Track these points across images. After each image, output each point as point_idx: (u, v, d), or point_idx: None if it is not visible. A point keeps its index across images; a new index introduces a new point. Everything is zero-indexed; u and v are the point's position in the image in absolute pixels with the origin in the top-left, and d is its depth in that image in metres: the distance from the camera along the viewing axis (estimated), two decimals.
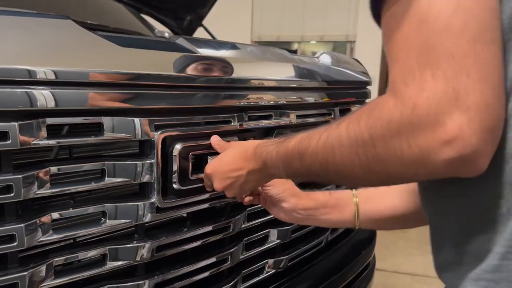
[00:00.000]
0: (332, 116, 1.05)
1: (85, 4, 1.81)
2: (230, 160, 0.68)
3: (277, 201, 0.78)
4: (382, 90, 5.55)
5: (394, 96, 0.41)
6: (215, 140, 0.73)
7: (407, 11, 0.41)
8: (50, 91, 0.53)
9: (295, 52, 5.91)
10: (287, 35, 5.83)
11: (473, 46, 0.38)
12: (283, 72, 0.92)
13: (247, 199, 0.78)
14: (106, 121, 0.59)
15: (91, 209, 0.61)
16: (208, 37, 2.01)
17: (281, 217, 0.80)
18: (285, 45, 6.08)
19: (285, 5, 5.72)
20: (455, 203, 0.49)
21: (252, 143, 0.67)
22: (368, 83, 1.24)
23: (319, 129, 0.52)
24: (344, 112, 1.11)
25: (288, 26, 5.77)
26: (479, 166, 0.39)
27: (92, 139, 0.59)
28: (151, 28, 1.99)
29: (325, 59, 1.11)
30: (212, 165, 0.70)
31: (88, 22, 1.48)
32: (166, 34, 2.02)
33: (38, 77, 0.51)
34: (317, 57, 1.12)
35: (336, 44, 5.97)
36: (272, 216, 0.90)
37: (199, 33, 2.15)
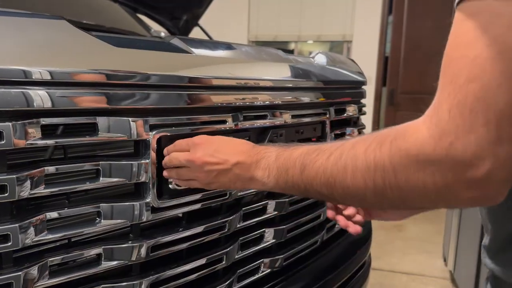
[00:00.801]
0: (327, 115, 1.05)
1: (81, 4, 1.81)
2: (225, 141, 0.64)
3: None
4: (378, 91, 5.57)
5: (432, 124, 0.38)
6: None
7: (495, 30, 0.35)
8: (44, 92, 0.53)
9: (292, 52, 5.92)
10: (284, 35, 5.84)
11: None
12: (278, 72, 0.92)
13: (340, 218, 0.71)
14: (101, 121, 0.59)
15: (86, 209, 0.61)
16: (205, 37, 2.01)
17: (395, 218, 0.73)
18: (282, 45, 6.08)
19: (281, 5, 5.73)
20: None
21: (251, 143, 0.65)
22: (363, 83, 1.24)
23: (330, 145, 0.50)
24: (339, 112, 1.11)
25: (285, 26, 5.78)
26: (498, 201, 0.40)
27: (86, 139, 0.59)
28: (147, 28, 1.99)
29: (321, 59, 1.12)
30: (202, 137, 0.65)
31: (84, 22, 1.48)
32: (162, 34, 2.02)
33: (32, 77, 0.51)
34: (313, 57, 1.12)
35: (333, 44, 5.98)
36: (268, 215, 0.91)
37: (196, 33, 2.15)
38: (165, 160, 0.66)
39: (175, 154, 0.65)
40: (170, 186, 0.69)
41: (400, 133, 0.42)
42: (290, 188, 0.56)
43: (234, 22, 5.80)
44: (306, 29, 5.71)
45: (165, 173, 0.66)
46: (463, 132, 0.36)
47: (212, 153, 0.62)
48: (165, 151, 0.66)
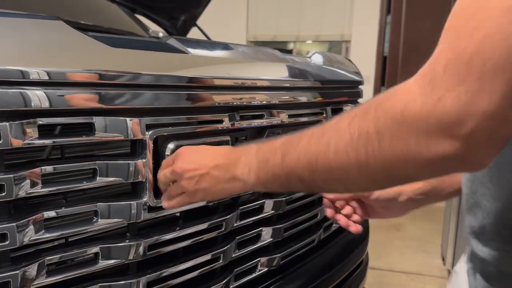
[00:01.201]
0: (324, 115, 1.06)
1: (80, 5, 1.81)
2: (208, 148, 0.64)
3: (387, 200, 0.75)
4: (377, 90, 5.58)
5: (425, 82, 0.36)
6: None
7: None
8: (42, 92, 0.54)
9: (290, 52, 5.92)
10: (282, 35, 5.84)
11: None
12: (274, 72, 0.93)
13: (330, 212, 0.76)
14: (97, 121, 0.60)
15: (83, 208, 0.61)
16: (203, 37, 2.02)
17: (394, 214, 0.76)
18: (281, 45, 6.09)
19: (280, 5, 5.73)
20: None
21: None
22: (360, 82, 1.25)
23: (315, 127, 0.48)
24: (336, 111, 1.12)
25: (284, 26, 5.78)
26: (485, 165, 0.38)
27: (83, 139, 0.59)
28: (145, 28, 2.00)
29: (317, 59, 1.12)
30: (188, 147, 0.65)
31: (82, 22, 1.48)
32: (161, 34, 2.02)
33: (29, 77, 0.52)
34: (309, 57, 1.13)
35: (332, 44, 5.99)
36: (265, 214, 0.91)
37: (194, 33, 2.15)
38: (159, 183, 0.66)
39: (162, 172, 0.65)
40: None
41: (386, 96, 0.40)
42: (271, 181, 0.53)
43: (233, 23, 5.81)
44: (305, 29, 5.72)
45: (164, 204, 0.67)
46: (454, 86, 0.34)
47: (191, 160, 0.61)
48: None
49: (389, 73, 5.30)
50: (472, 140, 0.35)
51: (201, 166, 0.60)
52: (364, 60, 5.48)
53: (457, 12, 0.37)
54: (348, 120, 0.43)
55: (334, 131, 0.44)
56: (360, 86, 1.28)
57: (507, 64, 0.33)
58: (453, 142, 0.35)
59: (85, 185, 0.61)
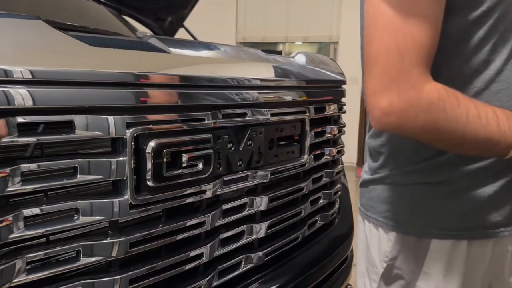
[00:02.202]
0: (307, 114, 1.07)
1: (65, 5, 1.81)
2: None
3: None
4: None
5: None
6: None
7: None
8: (21, 90, 0.54)
9: (280, 53, 5.95)
10: (271, 36, 5.87)
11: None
12: (257, 71, 0.94)
13: None
14: (77, 119, 0.60)
15: (63, 206, 0.62)
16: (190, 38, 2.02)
17: None
18: (270, 46, 6.12)
19: (268, 7, 5.76)
20: None
21: None
22: (343, 82, 1.26)
23: (468, 108, 0.64)
24: (319, 110, 1.13)
25: (272, 28, 5.82)
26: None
27: (63, 137, 0.60)
28: (132, 29, 2.00)
29: (300, 59, 1.14)
30: None
31: (68, 23, 1.48)
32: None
33: (9, 76, 0.52)
34: (293, 57, 1.14)
35: (321, 45, 6.03)
36: (248, 211, 0.92)
37: (181, 34, 2.16)
38: None
39: None
40: (148, 183, 0.70)
41: None
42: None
43: (222, 24, 5.82)
44: (293, 31, 5.76)
45: None
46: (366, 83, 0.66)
47: None
48: None
49: None
50: (384, 112, 0.63)
51: None
52: (352, 61, 5.51)
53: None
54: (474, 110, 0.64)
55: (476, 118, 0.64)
56: (344, 86, 1.30)
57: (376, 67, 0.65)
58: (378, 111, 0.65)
59: (66, 183, 0.61)
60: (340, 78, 1.25)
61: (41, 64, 0.54)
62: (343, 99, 1.29)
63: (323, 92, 1.17)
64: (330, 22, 5.63)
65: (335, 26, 5.64)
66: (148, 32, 2.15)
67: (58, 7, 1.74)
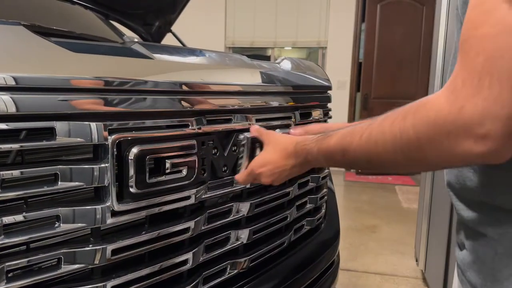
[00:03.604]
0: (293, 119, 1.08)
1: (52, 10, 1.80)
2: (273, 159, 0.80)
3: None
4: (352, 95, 5.68)
5: (449, 92, 0.47)
6: (254, 128, 0.88)
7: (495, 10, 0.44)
8: (4, 97, 0.54)
9: (268, 58, 5.97)
10: (260, 41, 5.90)
11: None
12: (241, 77, 0.94)
13: None
14: (59, 125, 0.60)
15: (44, 213, 0.61)
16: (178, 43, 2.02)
17: None
18: (259, 51, 6.14)
19: (257, 12, 5.79)
20: None
21: (289, 140, 0.79)
22: (328, 87, 1.28)
23: (360, 126, 0.60)
24: (305, 115, 1.14)
25: (261, 33, 5.84)
26: (504, 158, 0.47)
27: (44, 144, 0.59)
28: (120, 34, 1.99)
29: (286, 64, 1.14)
30: (258, 165, 0.82)
31: (54, 28, 1.47)
32: (136, 40, 2.01)
33: None
34: (278, 63, 1.15)
35: (310, 50, 6.07)
36: (233, 217, 0.92)
37: (169, 40, 2.16)
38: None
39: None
40: (131, 189, 0.69)
41: (421, 104, 0.51)
42: (341, 166, 0.70)
43: (211, 29, 5.82)
44: (282, 36, 5.79)
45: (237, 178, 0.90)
46: (472, 97, 0.44)
47: (270, 174, 0.81)
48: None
49: (364, 78, 5.41)
50: (492, 138, 0.44)
51: (281, 173, 0.80)
52: (340, 66, 5.59)
53: (464, 37, 0.47)
54: (389, 122, 0.54)
55: (379, 133, 0.55)
56: (330, 92, 1.31)
57: (510, 75, 0.42)
58: (476, 140, 0.45)
59: (46, 190, 0.61)
60: (325, 83, 1.26)
61: (19, 70, 0.54)
62: (329, 105, 1.30)
63: (309, 97, 1.18)
64: (319, 27, 5.68)
65: (323, 32, 5.69)
66: (136, 37, 2.14)
67: (44, 12, 1.73)
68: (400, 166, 0.57)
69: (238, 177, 0.88)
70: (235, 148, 0.90)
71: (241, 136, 0.89)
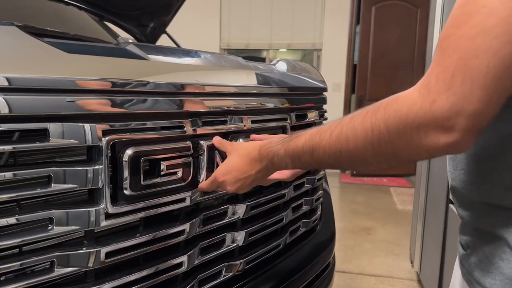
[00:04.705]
0: (288, 120, 1.08)
1: (46, 11, 1.78)
2: (237, 165, 0.77)
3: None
4: (347, 97, 5.69)
5: (423, 86, 0.48)
6: (216, 140, 0.83)
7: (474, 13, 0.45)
8: None
9: (263, 59, 5.98)
10: (255, 43, 5.90)
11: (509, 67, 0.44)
12: (237, 78, 0.94)
13: None
14: (52, 127, 0.59)
15: (37, 215, 0.60)
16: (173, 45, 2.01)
17: (285, 177, 0.87)
18: (254, 53, 6.14)
19: (252, 14, 5.79)
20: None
21: (253, 145, 0.76)
22: (324, 89, 1.28)
23: (329, 125, 0.60)
24: (300, 117, 1.14)
25: (257, 34, 5.84)
26: (467, 149, 0.50)
27: (37, 145, 0.59)
28: (114, 35, 1.98)
29: (281, 66, 1.14)
30: (221, 173, 0.78)
31: (47, 28, 1.46)
32: (130, 41, 2.01)
33: None
34: (274, 64, 1.15)
35: (305, 52, 6.09)
36: (228, 219, 0.92)
37: (164, 41, 2.15)
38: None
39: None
40: (125, 192, 0.69)
41: (392, 99, 0.52)
42: (307, 168, 0.72)
43: (206, 30, 5.82)
44: (277, 38, 5.80)
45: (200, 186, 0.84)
46: (444, 91, 0.46)
47: (234, 181, 0.77)
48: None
49: (359, 80, 5.43)
50: (458, 131, 0.46)
51: (246, 179, 0.76)
52: (335, 68, 5.60)
53: (442, 36, 0.49)
54: (360, 118, 0.54)
55: (350, 129, 0.55)
56: (326, 93, 1.31)
57: (481, 75, 0.44)
58: (442, 132, 0.47)
59: (40, 192, 0.60)
60: (321, 85, 1.26)
61: (12, 71, 0.53)
62: (324, 106, 1.30)
63: (304, 99, 1.18)
64: (313, 29, 5.69)
65: (318, 34, 5.70)
66: (130, 38, 2.13)
67: (38, 13, 1.72)
68: (367, 163, 0.58)
69: (201, 186, 0.82)
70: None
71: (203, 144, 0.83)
